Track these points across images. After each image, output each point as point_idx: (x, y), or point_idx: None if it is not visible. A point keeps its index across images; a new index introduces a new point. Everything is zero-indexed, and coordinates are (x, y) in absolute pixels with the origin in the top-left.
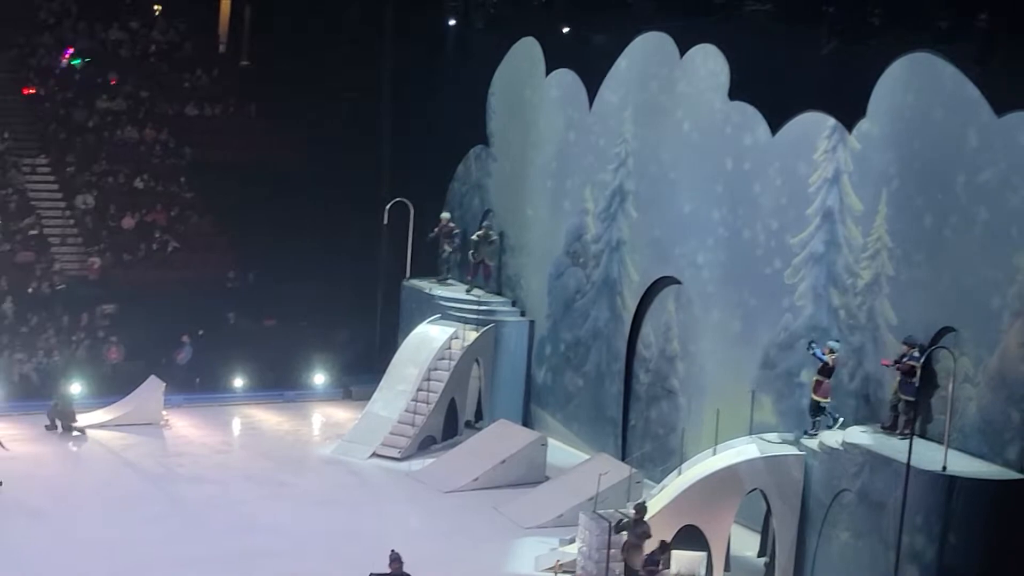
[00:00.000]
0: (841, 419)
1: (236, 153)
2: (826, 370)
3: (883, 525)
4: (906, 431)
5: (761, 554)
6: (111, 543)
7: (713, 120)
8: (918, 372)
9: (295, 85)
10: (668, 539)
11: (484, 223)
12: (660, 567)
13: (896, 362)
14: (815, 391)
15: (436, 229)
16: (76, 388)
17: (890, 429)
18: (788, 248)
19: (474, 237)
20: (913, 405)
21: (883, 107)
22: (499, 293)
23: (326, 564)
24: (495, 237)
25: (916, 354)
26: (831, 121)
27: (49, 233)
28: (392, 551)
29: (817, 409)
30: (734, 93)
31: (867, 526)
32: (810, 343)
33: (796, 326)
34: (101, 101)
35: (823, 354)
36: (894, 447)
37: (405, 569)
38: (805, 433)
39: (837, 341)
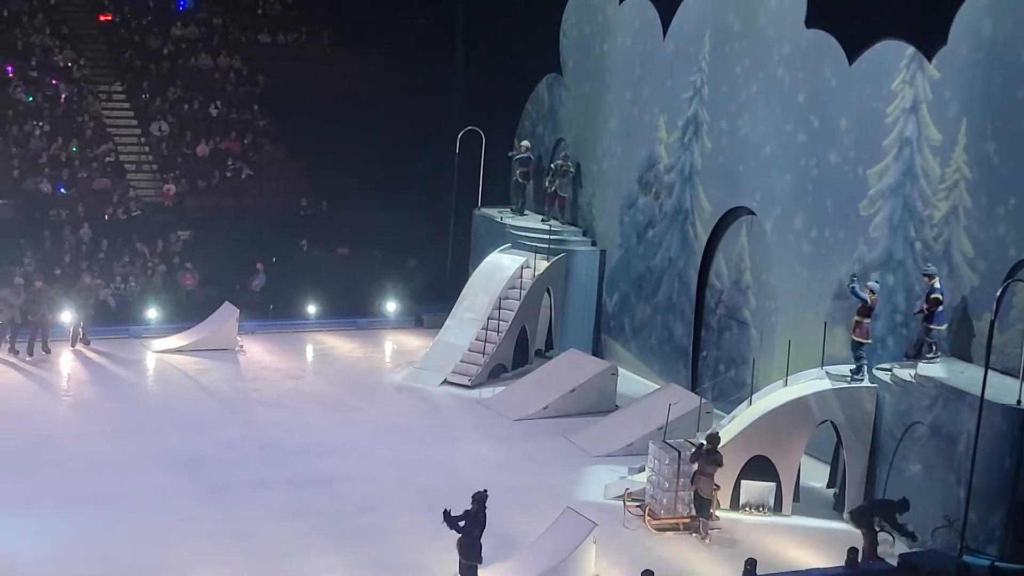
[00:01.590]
0: (866, 363)
1: (309, 81)
2: (864, 309)
3: (955, 458)
4: (935, 356)
5: (830, 485)
6: (187, 466)
7: (789, 49)
8: (944, 301)
9: (368, 13)
10: (738, 469)
11: (562, 154)
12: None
13: (925, 301)
14: (854, 331)
15: (514, 153)
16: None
17: (915, 358)
18: (864, 179)
19: (551, 166)
20: (942, 333)
21: (965, 34)
22: (572, 223)
23: (397, 490)
24: (572, 169)
25: (937, 284)
26: (909, 49)
27: (125, 160)
28: (481, 491)
29: (858, 349)
30: (811, 21)
31: (939, 459)
32: (852, 278)
33: (871, 258)
34: (175, 28)
35: (863, 293)
36: (968, 380)
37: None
38: (852, 378)
39: (877, 282)
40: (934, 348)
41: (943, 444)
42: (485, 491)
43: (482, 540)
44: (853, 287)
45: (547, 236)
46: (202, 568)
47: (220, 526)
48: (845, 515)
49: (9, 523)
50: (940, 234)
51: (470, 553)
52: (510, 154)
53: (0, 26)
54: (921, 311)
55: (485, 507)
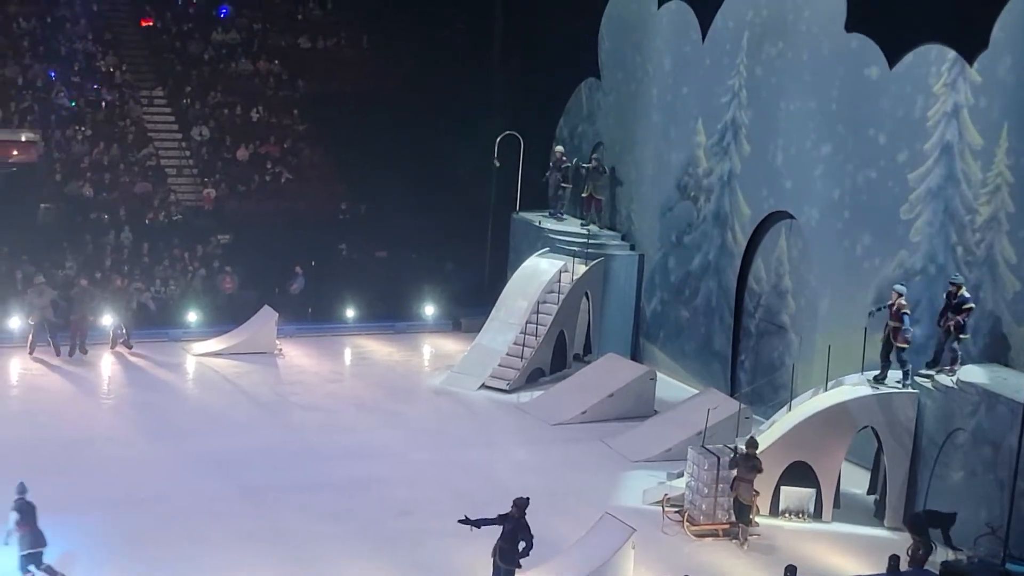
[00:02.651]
0: (910, 367)
1: (348, 85)
2: (896, 314)
3: (998, 464)
4: (955, 367)
5: (871, 491)
6: (225, 468)
7: (829, 52)
8: (972, 309)
9: (407, 17)
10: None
11: (594, 155)
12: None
13: (954, 310)
14: (895, 338)
15: (551, 164)
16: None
17: (933, 364)
18: (904, 183)
19: (583, 168)
20: (967, 343)
21: (1007, 38)
22: (611, 227)
23: (435, 493)
24: (605, 169)
25: (966, 294)
26: (951, 53)
27: (166, 164)
28: (522, 498)
29: (900, 354)
30: (851, 25)
31: (981, 465)
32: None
33: (912, 262)
34: (216, 33)
35: (887, 304)
36: (1010, 386)
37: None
38: (903, 383)
39: (903, 284)
40: (959, 358)
41: (985, 450)
42: (527, 498)
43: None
44: (876, 311)
45: (585, 240)
46: (239, 570)
47: (258, 528)
48: (899, 522)
49: (47, 524)
50: (982, 239)
51: (509, 559)
52: (547, 175)
53: (44, 32)
54: (955, 323)
55: (525, 514)
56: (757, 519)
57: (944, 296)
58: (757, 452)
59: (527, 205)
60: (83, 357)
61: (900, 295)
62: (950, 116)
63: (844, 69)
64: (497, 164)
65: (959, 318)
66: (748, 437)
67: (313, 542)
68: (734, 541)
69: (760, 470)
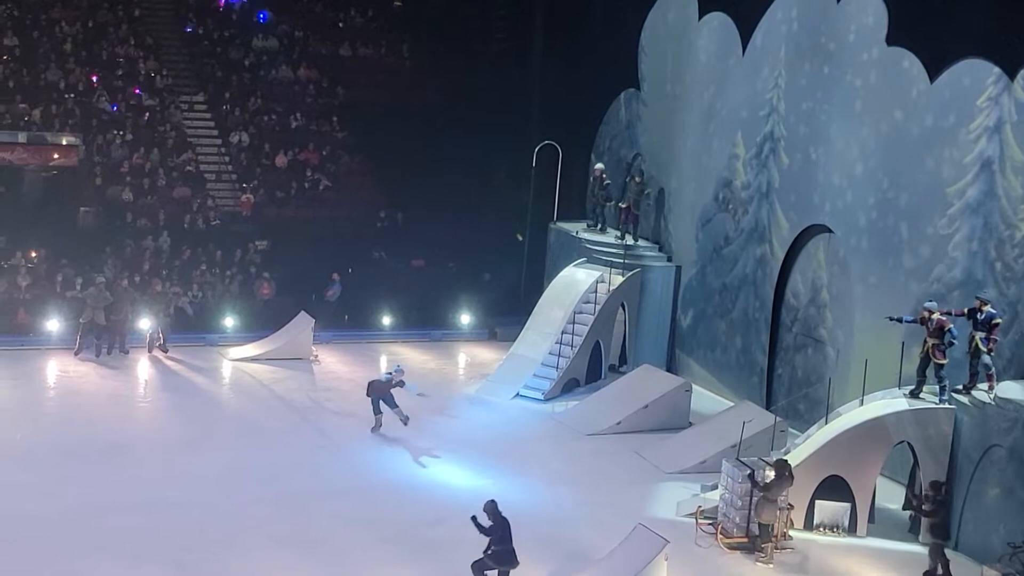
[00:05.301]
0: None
1: (388, 93)
2: (933, 331)
3: None
4: (991, 383)
5: (906, 507)
6: (259, 473)
7: (869, 66)
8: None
9: (447, 26)
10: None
11: (639, 172)
12: None
13: (982, 327)
14: (934, 355)
15: (592, 180)
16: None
17: (971, 387)
18: (943, 198)
19: (626, 181)
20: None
21: None
22: (651, 240)
23: (468, 501)
24: (648, 190)
25: (992, 310)
26: (994, 68)
27: (205, 169)
28: (488, 502)
29: (938, 371)
30: (892, 38)
31: (1018, 482)
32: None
33: (949, 277)
34: (256, 40)
35: (909, 317)
36: None
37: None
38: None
39: (932, 301)
40: (995, 375)
41: (1023, 467)
42: (491, 501)
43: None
44: (902, 319)
45: (622, 251)
46: None
47: (291, 534)
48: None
49: (82, 526)
50: (1021, 254)
51: (506, 560)
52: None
53: (87, 36)
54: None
55: (499, 514)
56: (791, 532)
57: (966, 313)
58: (785, 473)
59: (564, 215)
60: (124, 357)
61: (931, 312)
62: (992, 131)
63: (884, 83)
64: (520, 237)
65: (988, 335)
66: (777, 459)
67: (346, 548)
68: (756, 554)
69: (783, 494)
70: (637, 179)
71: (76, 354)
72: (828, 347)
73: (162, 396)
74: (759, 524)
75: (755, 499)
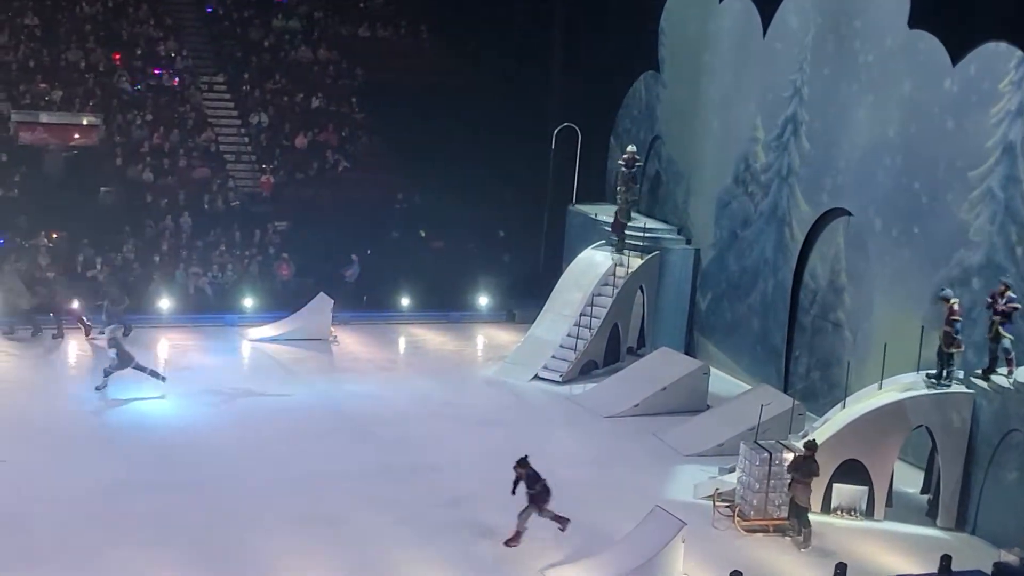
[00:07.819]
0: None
1: (407, 75)
2: (947, 319)
3: None
4: (1011, 368)
5: (924, 491)
6: (278, 453)
7: (891, 49)
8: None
9: (466, 7)
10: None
11: (629, 180)
12: None
13: (996, 310)
14: (946, 345)
15: (623, 162)
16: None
17: (989, 371)
18: (965, 182)
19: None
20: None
21: None
22: (670, 222)
23: (485, 483)
24: (636, 198)
25: (1012, 294)
26: (1017, 52)
27: (225, 150)
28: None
29: (950, 360)
30: (914, 21)
31: None
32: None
33: (970, 262)
34: (276, 21)
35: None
36: None
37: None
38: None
39: (949, 288)
40: (1014, 359)
41: None
42: (523, 456)
43: (566, 532)
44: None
45: (641, 234)
46: (290, 555)
47: (309, 514)
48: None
49: (102, 507)
50: None
51: (548, 494)
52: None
53: (106, 16)
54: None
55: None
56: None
57: (988, 297)
58: (815, 454)
59: (583, 197)
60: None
61: (947, 300)
62: (1014, 115)
63: (906, 66)
64: (423, 234)
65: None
66: (807, 439)
67: (363, 528)
68: (790, 538)
69: (817, 474)
70: (621, 188)
71: (87, 336)
72: (846, 330)
73: (181, 376)
74: (793, 506)
75: (788, 482)
